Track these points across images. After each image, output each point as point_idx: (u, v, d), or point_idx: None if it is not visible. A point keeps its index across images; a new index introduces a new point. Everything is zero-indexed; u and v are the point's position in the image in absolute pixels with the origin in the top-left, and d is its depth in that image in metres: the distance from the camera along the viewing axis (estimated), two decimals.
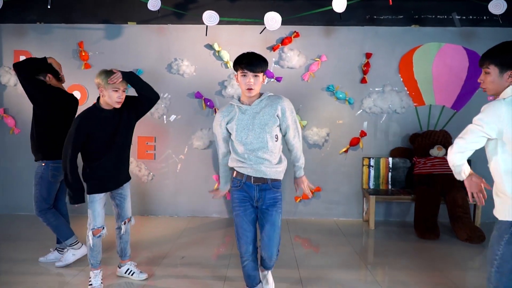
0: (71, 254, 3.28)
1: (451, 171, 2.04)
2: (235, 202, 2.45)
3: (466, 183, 2.01)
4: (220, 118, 2.43)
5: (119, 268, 3.10)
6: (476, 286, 2.98)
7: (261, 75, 2.36)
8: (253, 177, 2.38)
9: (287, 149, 2.55)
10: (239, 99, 2.45)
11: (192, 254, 3.60)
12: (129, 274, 3.06)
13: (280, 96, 2.43)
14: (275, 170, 2.40)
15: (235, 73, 2.42)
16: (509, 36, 4.54)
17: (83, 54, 4.68)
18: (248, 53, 2.39)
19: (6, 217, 4.71)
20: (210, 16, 4.02)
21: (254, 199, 2.42)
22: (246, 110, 2.38)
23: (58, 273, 3.16)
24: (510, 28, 4.48)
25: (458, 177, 2.04)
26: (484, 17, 4.32)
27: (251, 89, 2.33)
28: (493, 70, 1.92)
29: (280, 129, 2.43)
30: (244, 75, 2.34)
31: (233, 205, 2.47)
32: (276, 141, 2.38)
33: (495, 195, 1.95)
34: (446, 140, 4.44)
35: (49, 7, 3.78)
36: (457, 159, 1.96)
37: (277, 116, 2.37)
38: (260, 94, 2.43)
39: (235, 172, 2.46)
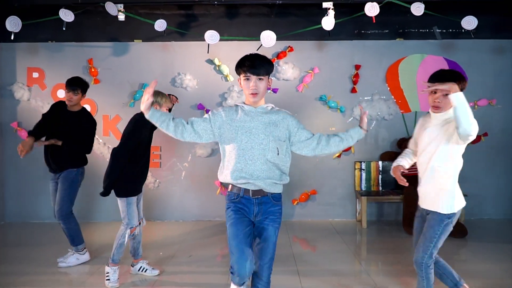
0: (75, 258, 3.54)
1: None
2: (230, 212, 2.14)
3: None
4: (222, 113, 2.15)
5: (132, 267, 3.32)
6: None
7: (266, 78, 2.11)
8: (251, 190, 2.11)
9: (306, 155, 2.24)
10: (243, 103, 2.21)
11: (198, 253, 3.85)
12: (142, 271, 3.29)
13: (285, 112, 2.22)
14: (274, 184, 2.14)
15: (238, 77, 2.17)
16: (483, 47, 4.94)
17: (93, 70, 4.98)
18: (251, 54, 2.14)
19: (19, 224, 4.95)
20: (211, 35, 4.36)
21: (253, 214, 2.14)
22: (250, 112, 2.12)
23: (76, 272, 3.40)
24: (484, 40, 4.88)
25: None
26: (462, 30, 4.68)
27: (255, 93, 2.09)
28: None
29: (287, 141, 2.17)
30: (247, 79, 2.09)
31: (227, 216, 2.16)
32: (277, 154, 2.09)
33: (439, 191, 2.31)
34: None
35: (64, 29, 4.09)
36: None
37: (286, 131, 2.15)
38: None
39: (230, 186, 2.16)
